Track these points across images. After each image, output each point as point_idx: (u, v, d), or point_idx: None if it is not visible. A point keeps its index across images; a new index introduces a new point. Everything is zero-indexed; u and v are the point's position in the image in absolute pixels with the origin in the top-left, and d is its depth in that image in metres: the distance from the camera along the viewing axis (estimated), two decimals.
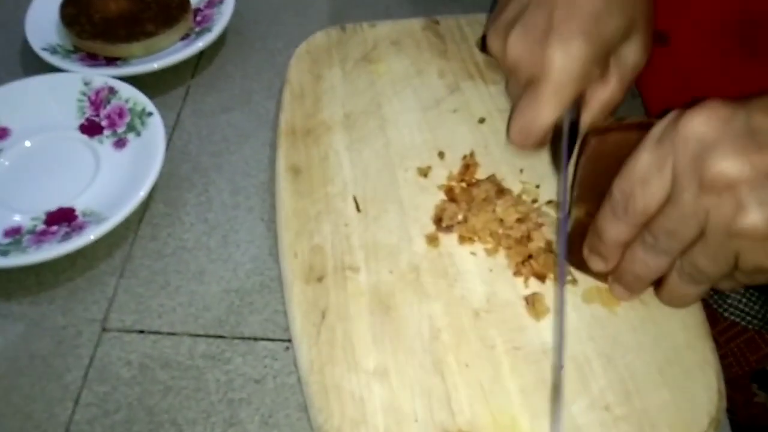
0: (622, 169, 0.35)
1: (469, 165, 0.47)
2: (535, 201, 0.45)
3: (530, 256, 0.42)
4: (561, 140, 0.42)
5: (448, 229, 0.43)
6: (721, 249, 0.33)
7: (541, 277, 0.41)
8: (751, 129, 0.32)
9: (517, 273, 0.42)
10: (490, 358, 0.38)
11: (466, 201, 0.44)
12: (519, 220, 0.43)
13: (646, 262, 0.36)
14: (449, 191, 0.46)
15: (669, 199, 0.34)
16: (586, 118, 0.43)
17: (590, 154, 0.40)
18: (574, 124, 0.42)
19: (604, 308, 0.40)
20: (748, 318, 0.55)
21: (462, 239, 0.43)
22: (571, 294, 0.41)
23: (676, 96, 0.55)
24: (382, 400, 0.37)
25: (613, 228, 0.36)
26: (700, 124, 0.32)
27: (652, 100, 0.56)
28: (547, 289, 0.41)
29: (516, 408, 0.36)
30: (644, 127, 0.36)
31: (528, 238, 0.42)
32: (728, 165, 0.31)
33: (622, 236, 0.36)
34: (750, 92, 0.33)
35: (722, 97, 0.33)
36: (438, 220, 0.44)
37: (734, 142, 0.31)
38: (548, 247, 0.42)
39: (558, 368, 0.37)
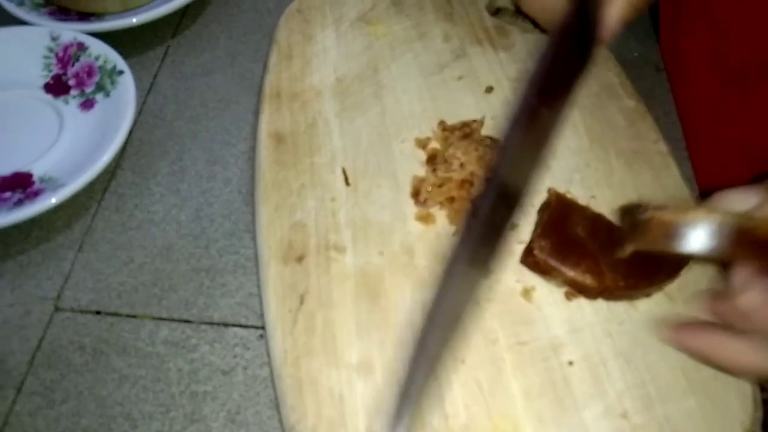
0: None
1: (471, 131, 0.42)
2: None
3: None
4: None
5: (425, 202, 0.38)
6: None
7: None
8: None
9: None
10: (490, 354, 0.33)
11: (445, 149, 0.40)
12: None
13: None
14: (432, 157, 0.40)
15: None
16: (615, 11, 0.37)
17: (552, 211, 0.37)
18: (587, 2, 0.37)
19: (624, 301, 0.35)
20: None
21: (442, 206, 0.38)
22: None
23: (702, 59, 0.50)
24: (365, 399, 0.32)
25: (733, 345, 0.31)
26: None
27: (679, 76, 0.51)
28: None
29: (518, 412, 0.32)
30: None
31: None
32: None
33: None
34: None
35: None
36: (416, 193, 0.39)
37: None
38: None
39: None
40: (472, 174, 0.38)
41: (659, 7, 0.53)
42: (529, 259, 0.36)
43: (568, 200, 0.37)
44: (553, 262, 0.35)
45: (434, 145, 0.41)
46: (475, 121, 0.42)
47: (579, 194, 0.39)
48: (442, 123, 0.42)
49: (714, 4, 0.48)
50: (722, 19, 0.48)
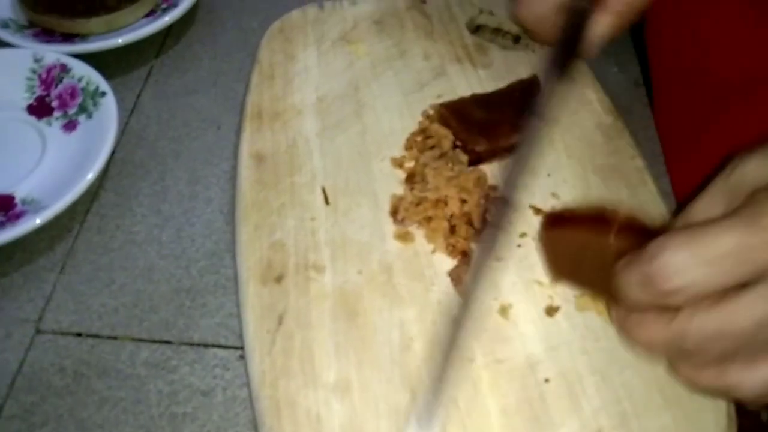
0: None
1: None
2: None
3: (452, 228, 0.38)
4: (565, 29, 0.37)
5: (403, 221, 0.39)
6: None
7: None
8: None
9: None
10: (467, 372, 0.33)
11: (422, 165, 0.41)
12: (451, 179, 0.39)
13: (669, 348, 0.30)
14: (410, 175, 0.41)
15: (737, 297, 0.27)
16: (607, 18, 0.38)
17: (545, 243, 0.37)
18: (580, 14, 0.38)
19: (600, 317, 0.35)
20: None
21: (420, 225, 0.39)
22: (564, 301, 0.36)
23: (684, 75, 0.50)
24: (342, 420, 0.32)
25: (648, 321, 0.30)
26: None
27: (660, 80, 0.51)
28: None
29: (495, 430, 0.32)
30: (597, 220, 0.32)
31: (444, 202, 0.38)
32: None
33: (658, 331, 0.30)
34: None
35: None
36: (394, 212, 0.39)
37: None
38: (467, 219, 0.38)
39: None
40: (446, 195, 0.38)
41: (645, 22, 0.53)
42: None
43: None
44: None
45: (410, 164, 0.42)
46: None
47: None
48: (408, 140, 0.43)
49: (696, 21, 0.49)
50: (703, 38, 0.48)
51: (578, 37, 0.37)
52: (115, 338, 0.38)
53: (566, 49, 0.37)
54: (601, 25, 0.39)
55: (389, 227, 0.39)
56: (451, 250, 0.38)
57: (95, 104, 0.47)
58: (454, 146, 0.42)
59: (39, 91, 0.49)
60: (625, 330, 0.32)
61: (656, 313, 0.29)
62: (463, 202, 0.38)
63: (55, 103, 0.49)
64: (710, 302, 0.27)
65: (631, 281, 0.29)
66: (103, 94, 0.47)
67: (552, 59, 0.36)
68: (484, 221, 0.38)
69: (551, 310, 0.36)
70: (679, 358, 0.31)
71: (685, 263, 0.27)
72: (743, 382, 0.29)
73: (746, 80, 0.46)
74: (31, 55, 0.50)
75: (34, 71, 0.49)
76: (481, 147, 0.41)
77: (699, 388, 0.31)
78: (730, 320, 0.27)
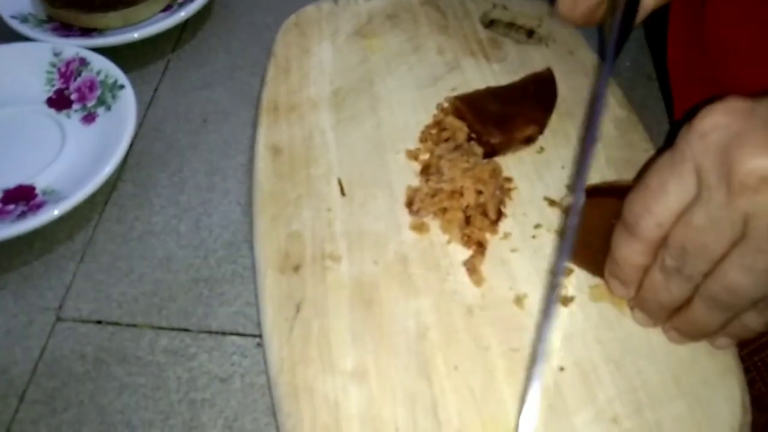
0: (635, 185, 0.31)
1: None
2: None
3: (468, 219, 0.38)
4: (615, 16, 0.37)
5: (419, 212, 0.39)
6: (763, 258, 0.28)
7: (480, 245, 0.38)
8: None
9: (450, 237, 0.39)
10: (483, 360, 0.34)
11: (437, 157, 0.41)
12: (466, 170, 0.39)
13: (667, 286, 0.31)
14: (425, 167, 0.41)
15: (692, 208, 0.29)
16: None
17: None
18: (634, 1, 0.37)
19: (614, 308, 0.36)
20: None
21: (435, 216, 0.39)
22: (578, 291, 0.36)
23: (702, 87, 0.50)
24: (359, 406, 0.32)
25: (627, 249, 0.32)
26: (720, 116, 0.28)
27: (676, 86, 0.51)
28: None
29: (511, 418, 0.32)
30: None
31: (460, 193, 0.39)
32: (763, 157, 0.26)
33: (639, 258, 0.32)
34: None
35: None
36: (409, 203, 0.40)
37: (763, 132, 0.27)
38: (483, 210, 0.38)
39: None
40: (461, 186, 0.38)
41: (669, 19, 0.53)
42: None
43: None
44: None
45: (425, 156, 0.42)
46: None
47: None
48: (423, 132, 0.43)
49: (716, 27, 0.49)
50: (722, 43, 0.48)
51: (632, 19, 0.37)
52: (134, 326, 0.39)
53: (621, 34, 0.37)
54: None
55: (405, 218, 0.40)
56: (467, 241, 0.38)
57: (114, 97, 0.48)
58: (469, 138, 0.42)
59: (58, 84, 0.50)
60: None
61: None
62: (479, 193, 0.39)
63: (74, 96, 0.49)
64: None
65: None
66: (122, 87, 0.48)
67: (610, 44, 0.36)
68: (498, 212, 0.39)
69: (566, 300, 0.36)
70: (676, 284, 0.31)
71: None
72: (738, 278, 0.29)
73: (764, 83, 0.46)
74: (50, 49, 0.50)
75: (53, 65, 0.50)
76: (495, 139, 0.41)
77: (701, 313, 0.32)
78: (687, 223, 0.29)
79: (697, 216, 0.29)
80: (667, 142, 0.32)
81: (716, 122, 0.28)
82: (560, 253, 0.35)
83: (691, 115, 0.30)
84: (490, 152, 0.41)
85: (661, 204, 0.30)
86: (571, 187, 0.41)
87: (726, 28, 0.47)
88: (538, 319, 0.35)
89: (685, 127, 0.30)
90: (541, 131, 0.43)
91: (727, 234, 0.28)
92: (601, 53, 0.46)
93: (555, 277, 0.35)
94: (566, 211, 0.37)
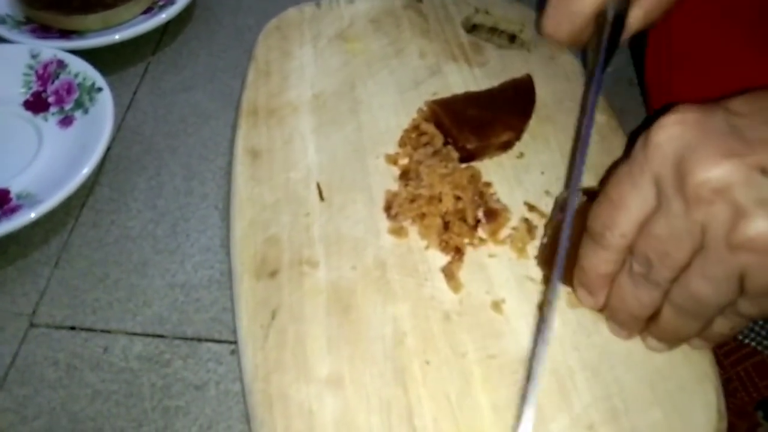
0: (598, 195, 0.32)
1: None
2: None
3: (446, 224, 0.38)
4: (601, 37, 0.37)
5: (397, 216, 0.39)
6: (722, 267, 0.28)
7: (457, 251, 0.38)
8: (732, 126, 0.28)
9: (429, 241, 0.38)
10: (460, 367, 0.34)
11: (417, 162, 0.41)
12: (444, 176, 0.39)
13: (635, 294, 0.31)
14: (404, 172, 0.41)
15: (653, 218, 0.29)
16: (638, 13, 0.38)
17: (555, 225, 0.36)
18: (620, 18, 0.37)
19: (592, 314, 0.35)
20: (759, 338, 0.50)
21: (413, 221, 0.39)
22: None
23: (677, 88, 0.51)
24: (334, 414, 0.32)
25: (594, 257, 0.32)
26: (674, 127, 0.28)
27: (652, 91, 0.52)
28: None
29: (487, 426, 0.32)
30: None
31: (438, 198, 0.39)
32: (715, 168, 0.27)
33: (606, 266, 0.32)
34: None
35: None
36: (388, 208, 0.39)
37: (717, 143, 0.27)
38: (461, 215, 0.38)
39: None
40: (440, 192, 0.38)
41: (647, 36, 0.53)
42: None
43: None
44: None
45: (404, 160, 0.42)
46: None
47: (550, 208, 0.40)
48: (402, 137, 0.43)
49: (697, 44, 0.49)
50: (703, 61, 0.49)
51: (617, 40, 0.38)
52: (108, 332, 0.38)
53: (608, 52, 0.37)
54: (632, 20, 0.39)
55: (383, 223, 0.39)
56: (445, 247, 0.38)
57: (91, 100, 0.47)
58: (445, 143, 0.42)
59: (35, 87, 0.49)
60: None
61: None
62: (458, 199, 0.39)
63: (51, 99, 0.49)
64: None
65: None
66: (100, 89, 0.47)
67: (597, 63, 0.37)
68: (476, 218, 0.39)
69: (543, 306, 0.36)
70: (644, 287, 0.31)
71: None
72: (698, 284, 0.29)
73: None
74: (28, 51, 0.50)
75: (30, 67, 0.50)
76: (471, 144, 0.41)
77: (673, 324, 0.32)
78: (649, 233, 0.29)
79: (658, 226, 0.29)
80: (626, 152, 0.31)
81: (670, 134, 0.28)
82: (556, 269, 0.34)
83: (647, 124, 0.30)
84: (466, 157, 0.41)
85: (623, 216, 0.30)
86: (554, 194, 0.41)
87: (686, 38, 0.48)
88: (519, 326, 0.35)
89: (641, 138, 0.30)
90: (518, 137, 0.42)
91: (688, 243, 0.28)
92: (584, 63, 0.46)
93: (548, 294, 0.35)
94: (556, 227, 0.37)
